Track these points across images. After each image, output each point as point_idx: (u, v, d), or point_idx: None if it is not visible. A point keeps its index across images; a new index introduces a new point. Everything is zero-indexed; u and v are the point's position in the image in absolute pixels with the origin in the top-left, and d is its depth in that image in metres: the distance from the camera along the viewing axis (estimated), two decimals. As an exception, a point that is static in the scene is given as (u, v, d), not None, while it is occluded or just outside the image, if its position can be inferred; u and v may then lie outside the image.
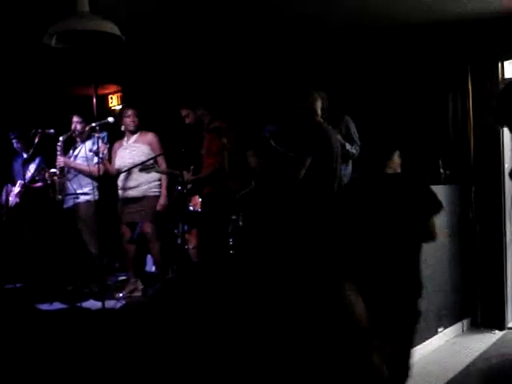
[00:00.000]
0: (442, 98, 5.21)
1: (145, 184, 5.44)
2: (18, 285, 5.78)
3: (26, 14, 4.57)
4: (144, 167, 5.22)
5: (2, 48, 5.39)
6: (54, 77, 6.56)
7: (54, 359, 3.51)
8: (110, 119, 5.18)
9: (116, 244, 6.48)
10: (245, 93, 6.20)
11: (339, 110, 4.98)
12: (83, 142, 5.75)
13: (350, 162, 4.98)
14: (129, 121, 5.54)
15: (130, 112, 5.58)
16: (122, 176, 5.50)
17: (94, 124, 4.99)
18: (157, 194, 5.47)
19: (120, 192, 5.53)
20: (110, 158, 5.63)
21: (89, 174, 5.60)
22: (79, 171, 5.64)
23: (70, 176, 5.68)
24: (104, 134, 5.34)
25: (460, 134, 5.13)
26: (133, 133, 5.59)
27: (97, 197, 5.49)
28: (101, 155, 5.09)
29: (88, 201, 5.59)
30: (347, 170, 4.92)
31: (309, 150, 4.19)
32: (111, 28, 3.56)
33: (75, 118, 5.72)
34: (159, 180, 5.50)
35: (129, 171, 5.41)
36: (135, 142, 5.57)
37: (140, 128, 5.61)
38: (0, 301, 5.41)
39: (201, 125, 5.30)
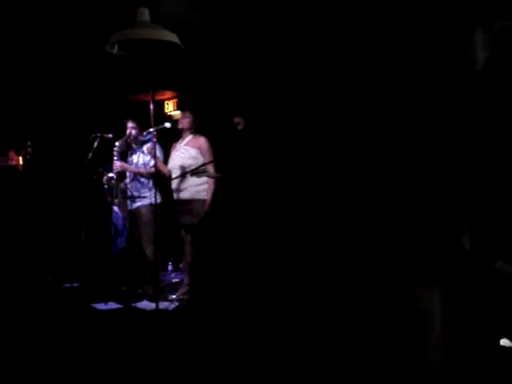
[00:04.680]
0: None
1: (192, 187, 5.51)
2: (74, 284, 5.95)
3: (89, 23, 4.74)
4: (195, 171, 5.30)
5: (66, 55, 5.58)
6: (113, 83, 6.75)
7: (108, 356, 3.62)
8: (167, 124, 5.26)
9: (171, 246, 6.58)
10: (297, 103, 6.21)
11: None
12: (139, 146, 5.87)
13: None
14: (179, 121, 5.67)
15: (183, 114, 5.74)
16: (176, 178, 5.61)
17: (151, 129, 5.07)
18: (205, 198, 5.53)
19: (174, 195, 5.63)
20: (166, 159, 5.76)
21: (147, 177, 5.73)
22: (137, 174, 5.77)
23: (127, 180, 5.82)
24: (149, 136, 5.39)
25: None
26: (186, 135, 5.69)
27: (157, 200, 5.60)
28: (153, 157, 5.19)
29: (149, 204, 5.71)
30: None
31: None
32: (171, 37, 3.66)
33: (130, 124, 5.80)
34: (207, 184, 5.55)
35: (183, 174, 5.51)
36: (186, 144, 5.66)
37: (195, 132, 5.70)
38: (57, 299, 5.59)
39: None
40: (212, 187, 5.50)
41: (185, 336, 4.15)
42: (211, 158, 5.55)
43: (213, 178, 5.47)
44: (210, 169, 5.47)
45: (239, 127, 5.35)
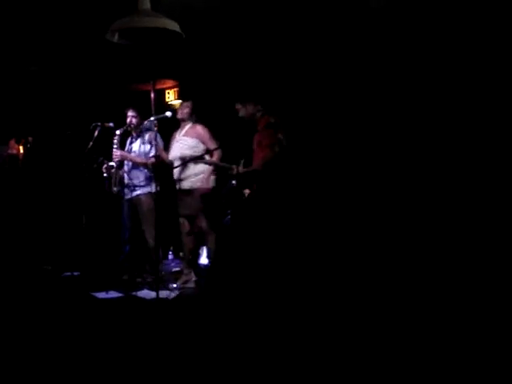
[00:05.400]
0: None
1: (193, 176, 5.53)
2: (75, 273, 5.96)
3: (89, 11, 4.72)
4: (194, 158, 5.33)
5: (67, 44, 5.57)
6: (114, 72, 6.73)
7: (108, 344, 3.64)
8: (168, 113, 5.26)
9: (171, 235, 6.60)
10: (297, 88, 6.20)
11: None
12: (139, 135, 5.87)
13: None
14: (178, 111, 5.68)
15: (182, 103, 5.78)
16: (176, 168, 5.62)
17: (152, 118, 5.05)
18: (205, 186, 5.56)
19: (176, 185, 5.65)
20: (167, 148, 5.77)
21: (146, 167, 5.73)
22: (136, 164, 5.77)
23: (126, 169, 5.82)
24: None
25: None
26: (185, 125, 5.70)
27: (156, 189, 5.58)
28: (155, 147, 5.18)
29: (148, 193, 5.72)
30: None
31: None
32: (172, 25, 3.64)
33: (130, 112, 5.81)
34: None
35: (182, 163, 5.51)
36: (184, 134, 5.66)
37: (194, 121, 5.69)
38: (57, 288, 5.60)
39: (253, 119, 5.34)
40: (209, 175, 5.53)
41: (185, 325, 4.16)
42: (214, 145, 5.54)
43: (209, 164, 5.47)
44: (215, 156, 5.46)
45: (240, 114, 5.34)
